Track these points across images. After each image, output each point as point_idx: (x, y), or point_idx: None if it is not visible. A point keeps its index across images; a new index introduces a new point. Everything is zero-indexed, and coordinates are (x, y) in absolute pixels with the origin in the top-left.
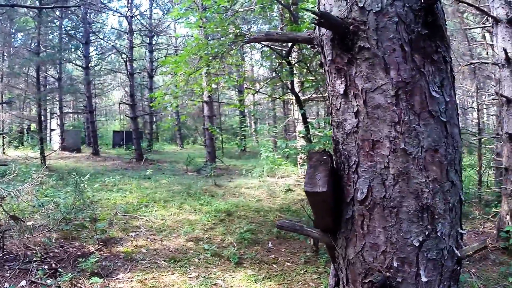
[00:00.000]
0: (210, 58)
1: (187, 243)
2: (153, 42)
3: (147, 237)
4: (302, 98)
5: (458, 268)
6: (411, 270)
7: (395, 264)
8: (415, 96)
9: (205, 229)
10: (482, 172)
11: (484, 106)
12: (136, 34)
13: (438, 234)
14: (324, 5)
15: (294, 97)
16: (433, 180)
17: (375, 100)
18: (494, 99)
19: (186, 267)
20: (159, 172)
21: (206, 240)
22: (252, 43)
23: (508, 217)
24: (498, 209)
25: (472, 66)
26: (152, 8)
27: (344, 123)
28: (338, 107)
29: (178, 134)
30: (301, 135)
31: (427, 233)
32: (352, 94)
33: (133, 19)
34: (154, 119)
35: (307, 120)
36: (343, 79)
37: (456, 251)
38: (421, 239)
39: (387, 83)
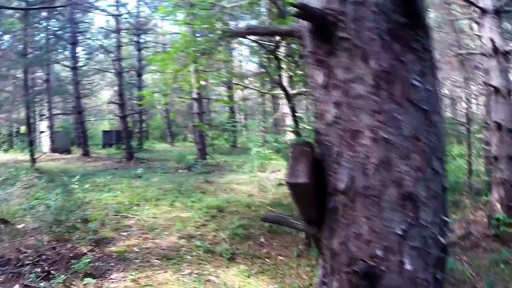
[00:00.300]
0: (198, 54)
1: (180, 241)
2: (141, 41)
3: (139, 236)
4: (291, 92)
5: (444, 255)
6: (395, 259)
7: (379, 253)
8: (395, 85)
9: (197, 226)
10: (471, 161)
11: (473, 96)
12: (123, 32)
13: (421, 222)
14: None
15: (282, 92)
16: (415, 168)
17: (355, 90)
18: (482, 89)
19: (179, 264)
20: (150, 171)
21: (198, 237)
22: (240, 39)
23: (498, 205)
24: (488, 198)
25: (460, 56)
26: (139, 6)
27: (325, 114)
28: (319, 98)
29: (168, 132)
30: (290, 129)
31: (410, 221)
32: (332, 85)
33: (120, 17)
34: (144, 118)
35: (296, 114)
36: (323, 70)
37: (440, 239)
38: (404, 228)
39: (366, 73)
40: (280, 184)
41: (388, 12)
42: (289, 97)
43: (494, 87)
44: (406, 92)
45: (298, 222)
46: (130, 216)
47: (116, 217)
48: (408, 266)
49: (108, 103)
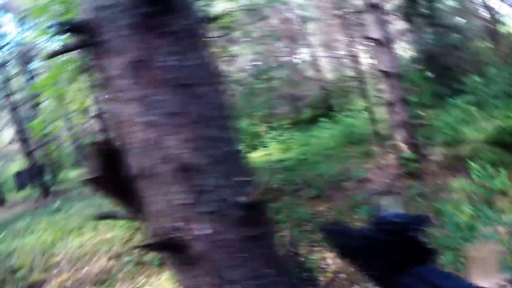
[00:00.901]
0: (80, 72)
1: (109, 262)
2: (31, 68)
3: (69, 269)
4: None
5: (248, 213)
6: (191, 227)
7: (175, 225)
8: (148, 71)
9: (123, 242)
10: (371, 110)
11: (363, 51)
12: (11, 64)
13: (207, 188)
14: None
15: None
16: (184, 140)
17: (117, 85)
18: (367, 43)
19: (112, 285)
20: (69, 202)
21: (126, 253)
22: None
23: (402, 145)
24: (394, 141)
25: (341, 17)
26: (21, 33)
27: (105, 112)
28: (102, 98)
29: (80, 156)
30: None
31: (193, 189)
32: (103, 84)
33: (3, 49)
34: (53, 148)
35: None
36: (97, 72)
37: (237, 199)
38: (189, 197)
39: (122, 66)
40: None
41: (133, 7)
42: None
43: (374, 39)
44: (161, 75)
45: (123, 213)
46: (56, 252)
47: (43, 258)
48: (207, 231)
49: (11, 142)
